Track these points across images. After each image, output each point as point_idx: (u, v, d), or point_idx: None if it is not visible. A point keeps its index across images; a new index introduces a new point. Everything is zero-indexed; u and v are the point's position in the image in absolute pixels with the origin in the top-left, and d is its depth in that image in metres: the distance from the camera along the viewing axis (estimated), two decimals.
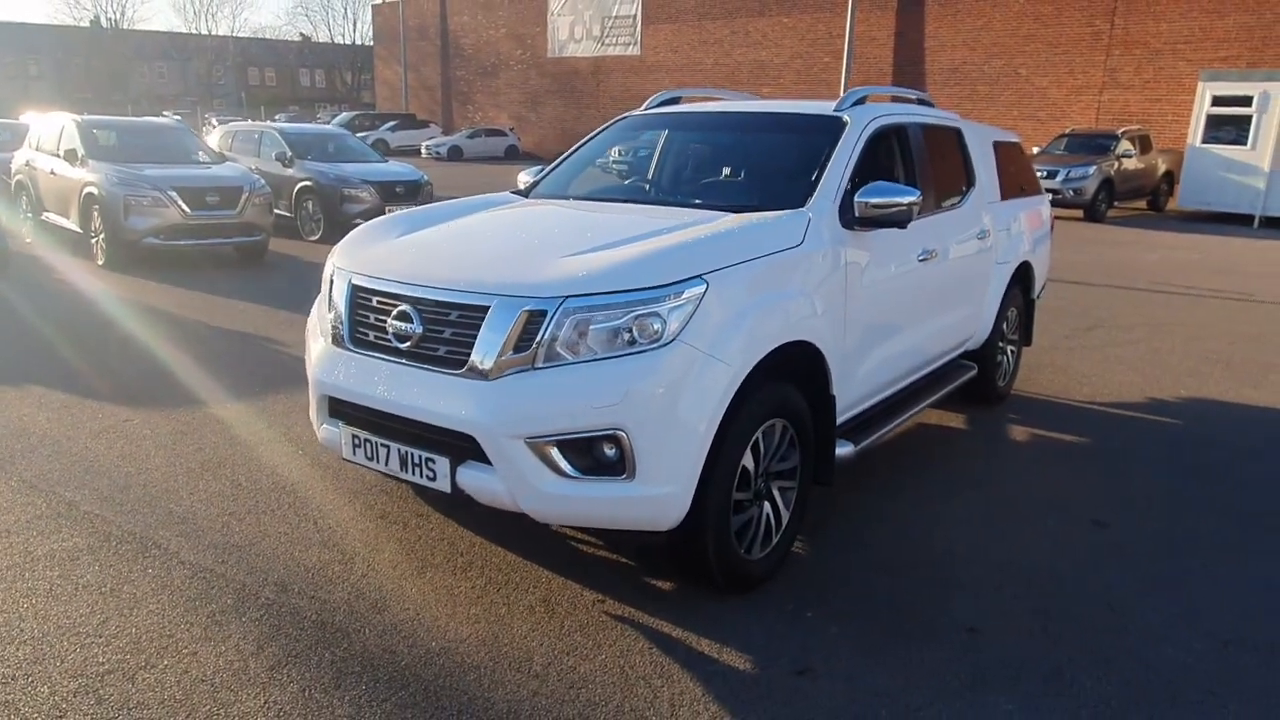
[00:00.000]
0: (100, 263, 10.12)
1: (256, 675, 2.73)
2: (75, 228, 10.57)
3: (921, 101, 5.03)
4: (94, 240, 10.19)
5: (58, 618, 3.03)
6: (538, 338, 2.82)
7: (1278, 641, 3.08)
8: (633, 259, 2.94)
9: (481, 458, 2.88)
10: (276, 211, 11.79)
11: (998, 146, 5.63)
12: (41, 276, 9.59)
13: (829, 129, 4.01)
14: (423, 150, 35.93)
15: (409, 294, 3.06)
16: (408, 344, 3.04)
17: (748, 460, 3.13)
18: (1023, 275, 5.78)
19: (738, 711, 2.63)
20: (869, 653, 2.94)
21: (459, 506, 3.93)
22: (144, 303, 8.26)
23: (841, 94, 16.63)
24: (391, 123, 39.36)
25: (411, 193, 13.55)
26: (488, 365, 2.86)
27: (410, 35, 42.79)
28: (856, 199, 3.65)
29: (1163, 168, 18.56)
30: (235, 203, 10.43)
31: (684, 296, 2.87)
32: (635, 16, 33.17)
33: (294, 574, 3.36)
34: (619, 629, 3.04)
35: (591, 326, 2.82)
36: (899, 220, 3.67)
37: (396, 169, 14.02)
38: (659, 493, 2.85)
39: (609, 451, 2.83)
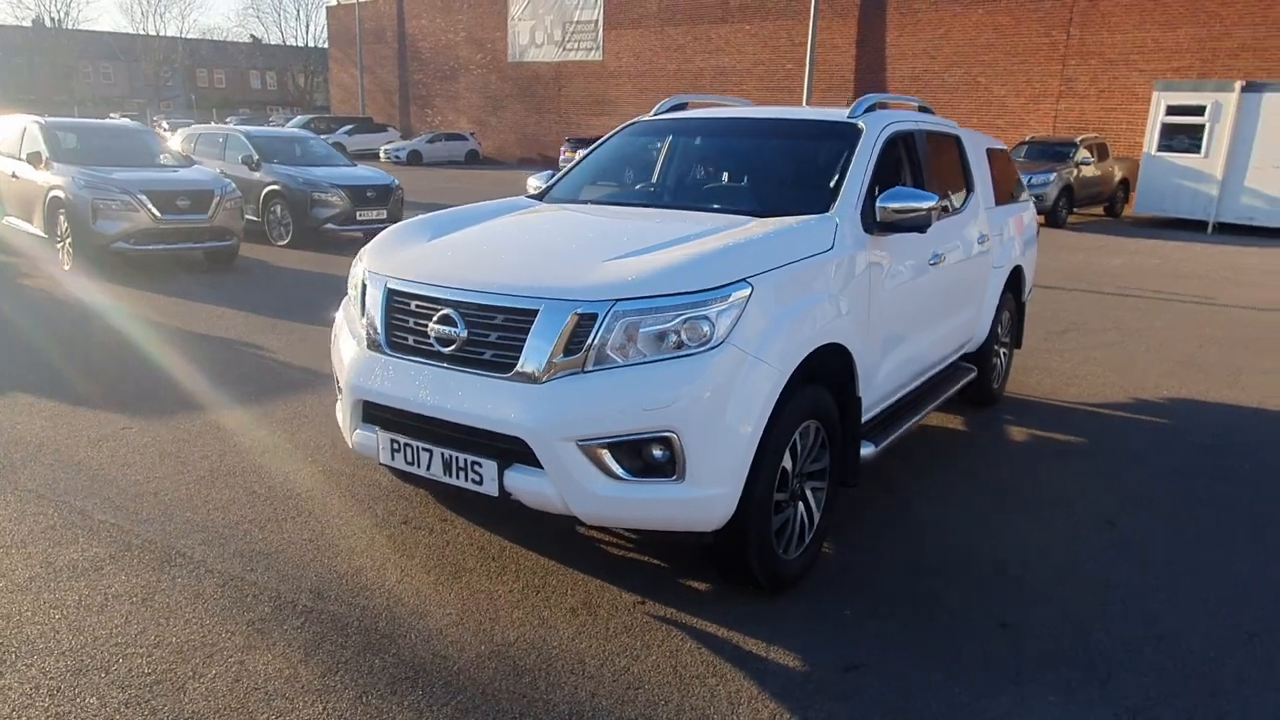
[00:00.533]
0: (67, 268, 9.86)
1: (310, 683, 2.71)
2: (40, 232, 10.29)
3: (922, 109, 5.13)
4: (60, 245, 9.93)
5: (93, 629, 2.96)
6: (588, 341, 2.84)
7: None
8: (680, 262, 2.98)
9: (530, 461, 2.89)
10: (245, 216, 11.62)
11: (990, 154, 5.77)
12: (7, 282, 9.32)
13: (846, 134, 4.08)
14: (381, 154, 35.53)
15: (452, 298, 3.06)
16: (451, 348, 3.04)
17: (786, 461, 3.17)
18: (1015, 279, 5.92)
19: (796, 708, 2.67)
20: (910, 649, 3.00)
21: (481, 510, 3.92)
22: (119, 309, 8.07)
23: (804, 100, 17.02)
24: (348, 126, 38.91)
25: (382, 197, 13.42)
26: (537, 369, 2.86)
27: (367, 38, 42.34)
28: (879, 204, 3.72)
29: (1119, 175, 19.10)
30: (206, 207, 10.26)
31: (730, 299, 2.91)
32: (597, 22, 33.21)
33: (327, 581, 3.33)
34: (664, 629, 3.07)
35: (641, 330, 2.85)
36: (920, 225, 3.76)
37: (367, 173, 13.87)
38: (708, 494, 2.88)
39: (658, 453, 2.86)
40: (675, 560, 3.56)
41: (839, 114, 4.31)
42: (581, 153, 4.73)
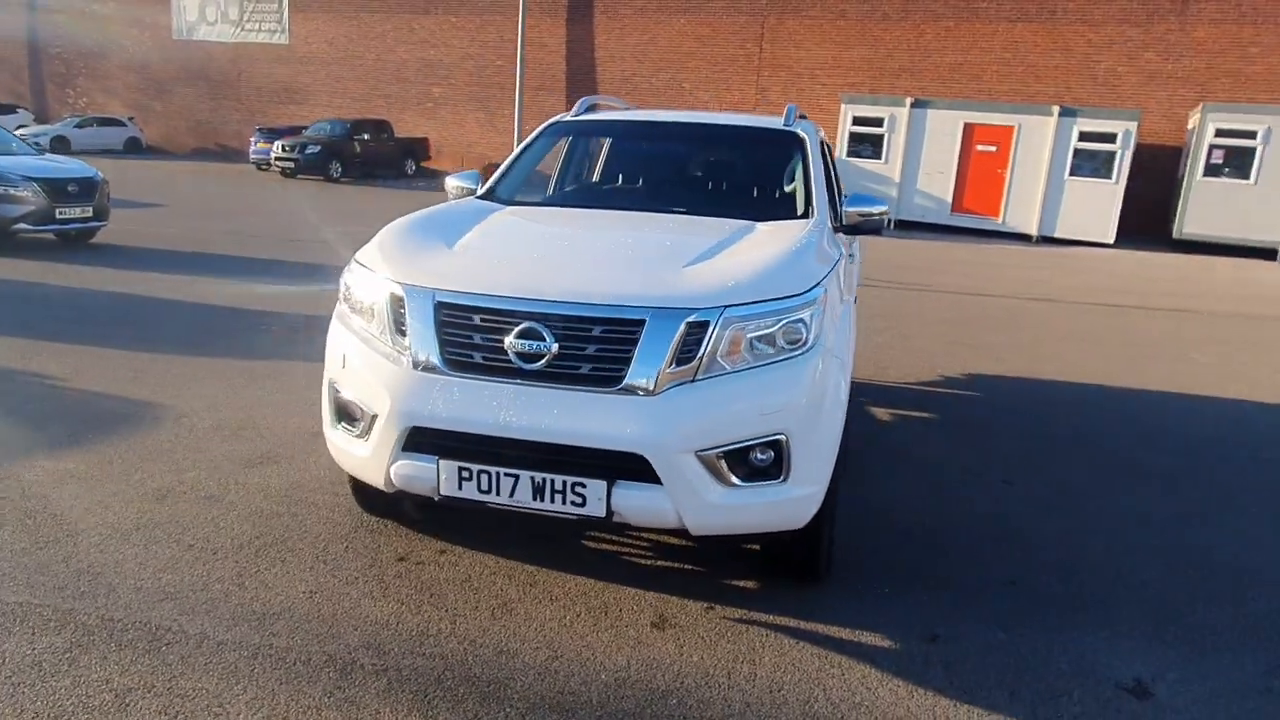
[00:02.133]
0: None
1: None
2: None
3: (801, 117, 5.51)
4: None
5: None
6: (701, 350, 2.80)
7: (1208, 552, 3.95)
8: (772, 267, 3.03)
9: (638, 477, 2.79)
10: None
11: None
12: None
13: (796, 142, 4.32)
14: None
15: (535, 310, 2.84)
16: (538, 364, 2.83)
17: None
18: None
19: (922, 681, 2.85)
20: (964, 612, 3.31)
21: (475, 535, 3.67)
22: None
23: (518, 98, 17.48)
24: None
25: (87, 192, 11.53)
26: (649, 380, 2.77)
27: None
28: (845, 208, 4.01)
29: None
30: None
31: (816, 303, 3.01)
32: (281, 1, 30.78)
33: (374, 634, 2.96)
34: (755, 631, 3.10)
35: (747, 335, 2.86)
36: (877, 228, 4.09)
37: (67, 165, 11.85)
38: (805, 492, 2.97)
39: (762, 457, 2.89)
40: (699, 561, 3.59)
41: (775, 122, 4.54)
42: (515, 150, 4.51)
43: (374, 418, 3.00)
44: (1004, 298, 11.82)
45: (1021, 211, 18.44)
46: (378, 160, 26.02)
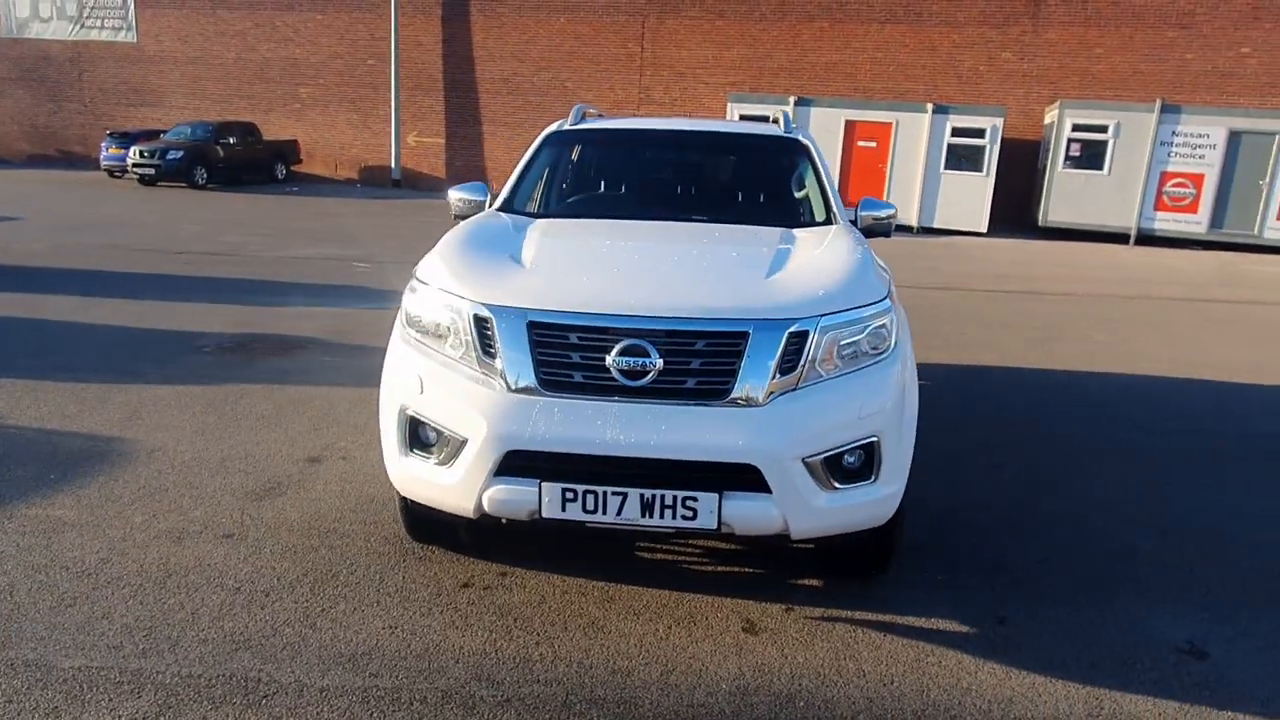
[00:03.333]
0: None
1: None
2: None
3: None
4: None
5: None
6: (802, 359, 2.87)
7: (1184, 523, 4.31)
8: (851, 275, 3.13)
9: (746, 486, 2.83)
10: None
11: None
12: None
13: (801, 150, 4.44)
14: None
15: (638, 327, 2.83)
16: (643, 380, 2.82)
17: None
18: None
19: (1011, 661, 3.02)
20: (1018, 594, 3.51)
21: (530, 554, 3.62)
22: None
23: (393, 98, 17.26)
24: None
25: None
26: (758, 391, 2.82)
27: None
28: (861, 211, 4.16)
29: None
30: None
31: (890, 308, 3.13)
32: None
33: (478, 665, 2.88)
34: (842, 628, 3.20)
35: (840, 343, 2.95)
36: (887, 230, 4.27)
37: None
38: (891, 491, 3.08)
39: (852, 459, 2.99)
40: (752, 563, 3.66)
41: (777, 129, 4.64)
42: (522, 161, 4.43)
43: (463, 444, 2.92)
44: (907, 287, 12.33)
45: (902, 204, 19.35)
46: (245, 165, 24.68)
